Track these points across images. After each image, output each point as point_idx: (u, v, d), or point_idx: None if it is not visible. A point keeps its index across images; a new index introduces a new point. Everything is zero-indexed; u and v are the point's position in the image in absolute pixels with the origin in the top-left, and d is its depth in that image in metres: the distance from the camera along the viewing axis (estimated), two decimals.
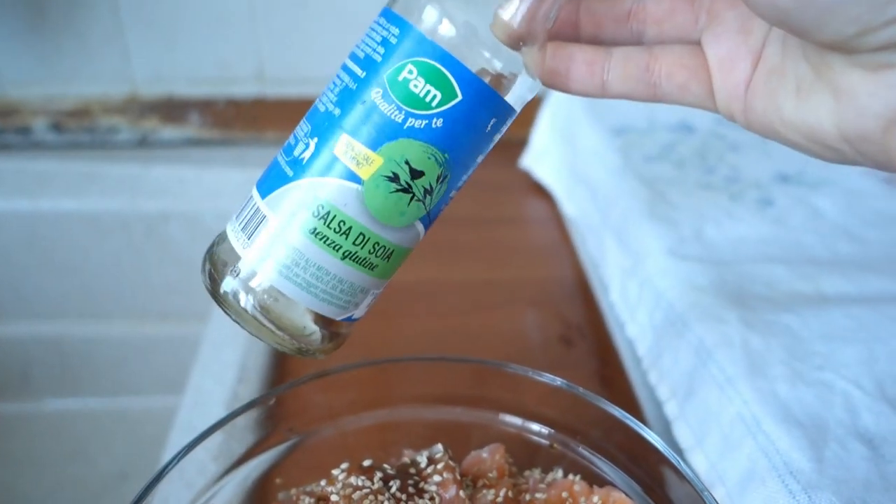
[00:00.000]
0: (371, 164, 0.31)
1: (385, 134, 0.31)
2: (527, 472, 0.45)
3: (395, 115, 0.30)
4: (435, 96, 0.30)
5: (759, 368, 0.48)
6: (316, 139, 0.32)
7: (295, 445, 0.46)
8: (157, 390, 1.03)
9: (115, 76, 1.01)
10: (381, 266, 0.34)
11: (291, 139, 0.34)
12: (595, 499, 0.41)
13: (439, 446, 0.43)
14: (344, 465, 0.40)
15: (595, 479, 0.43)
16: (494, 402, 0.48)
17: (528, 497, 0.42)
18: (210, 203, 0.94)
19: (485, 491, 0.42)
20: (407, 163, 0.31)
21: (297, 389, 0.46)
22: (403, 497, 0.39)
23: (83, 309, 1.00)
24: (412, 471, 0.42)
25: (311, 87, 1.04)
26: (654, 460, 0.43)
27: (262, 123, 1.04)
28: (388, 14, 0.31)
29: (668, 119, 0.83)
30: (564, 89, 0.34)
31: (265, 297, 0.33)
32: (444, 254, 0.71)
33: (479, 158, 0.33)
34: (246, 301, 0.33)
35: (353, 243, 0.32)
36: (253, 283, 0.33)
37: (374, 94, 0.30)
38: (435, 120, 0.30)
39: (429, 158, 0.31)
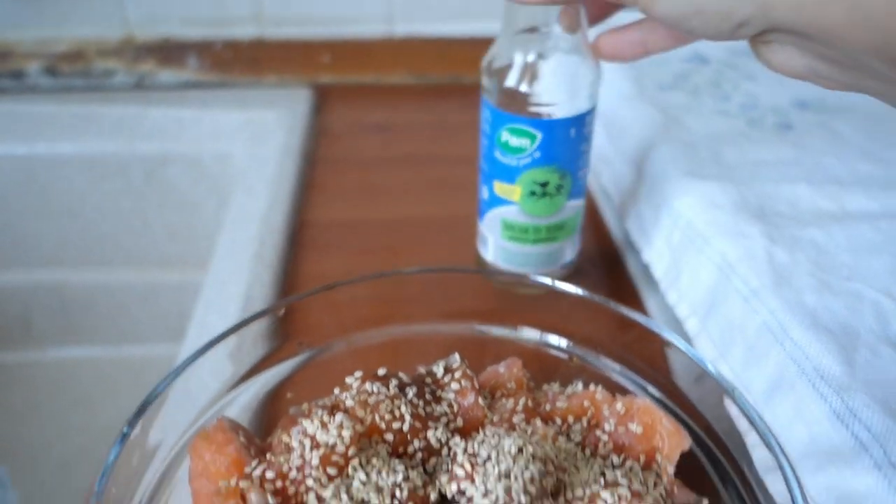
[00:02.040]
0: (515, 192, 0.53)
1: (513, 173, 0.52)
2: (545, 386, 0.44)
3: (512, 162, 0.51)
4: (524, 143, 0.50)
5: (784, 280, 0.46)
6: (485, 186, 0.54)
7: (306, 361, 0.45)
8: (159, 338, 1.02)
9: (110, 18, 0.98)
10: (563, 231, 0.56)
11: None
12: (618, 406, 0.39)
13: (456, 356, 0.41)
14: (357, 374, 0.39)
15: (617, 390, 0.42)
16: (511, 316, 0.47)
17: (548, 407, 0.41)
18: (210, 145, 0.92)
19: (503, 401, 0.40)
20: (534, 181, 0.52)
21: (308, 304, 0.44)
22: (420, 403, 0.38)
23: (83, 256, 0.98)
24: (428, 380, 0.40)
25: (310, 28, 1.01)
26: (678, 365, 0.42)
27: (261, 66, 1.02)
28: (482, 100, 0.51)
29: (680, 50, 0.81)
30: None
31: None
32: (459, 191, 0.69)
33: (584, 146, 0.52)
34: None
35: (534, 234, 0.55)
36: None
37: (496, 153, 0.52)
38: (535, 153, 0.50)
39: (545, 173, 0.51)
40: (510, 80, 0.48)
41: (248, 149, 0.88)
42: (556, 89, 0.48)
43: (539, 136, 0.49)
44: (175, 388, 0.38)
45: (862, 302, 0.44)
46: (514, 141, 0.50)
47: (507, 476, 0.32)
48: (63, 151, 0.91)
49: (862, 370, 0.40)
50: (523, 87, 0.48)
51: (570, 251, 0.57)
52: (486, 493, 0.31)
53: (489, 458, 0.33)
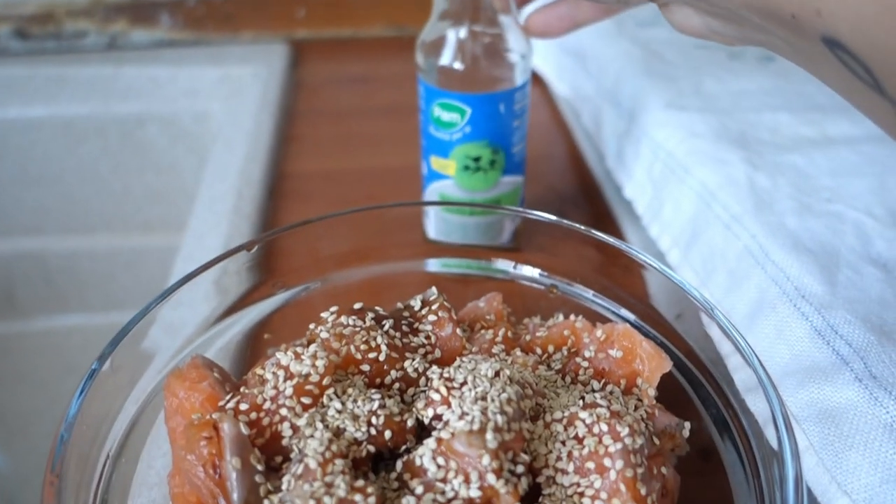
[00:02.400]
0: (449, 166, 0.53)
1: (447, 147, 0.52)
2: (525, 320, 0.43)
3: (445, 136, 0.52)
4: (455, 118, 0.51)
5: (765, 204, 0.45)
6: (424, 160, 0.55)
7: (283, 303, 0.44)
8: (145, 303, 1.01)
9: None
10: (503, 200, 0.56)
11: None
12: (598, 333, 0.39)
13: (433, 289, 0.41)
14: (333, 308, 0.38)
15: (598, 320, 0.41)
16: (488, 252, 0.46)
17: (528, 338, 0.40)
18: (187, 103, 0.90)
19: (483, 332, 0.40)
20: (466, 156, 0.52)
21: (284, 244, 0.43)
22: (397, 335, 0.37)
23: (63, 222, 0.97)
24: (405, 314, 0.40)
25: None
26: (659, 292, 0.41)
27: (236, 22, 1.00)
28: (417, 77, 0.52)
29: None
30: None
31: None
32: None
33: (516, 122, 0.53)
34: None
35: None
36: None
37: (431, 128, 0.52)
38: (465, 128, 0.51)
39: (477, 148, 0.52)
40: (443, 59, 0.49)
41: (226, 106, 0.87)
42: (485, 66, 0.49)
43: (468, 111, 0.50)
44: (150, 330, 0.37)
45: (843, 222, 0.43)
46: (446, 116, 0.50)
47: (484, 399, 0.31)
48: (37, 115, 0.89)
49: (843, 288, 0.39)
50: (455, 65, 0.49)
51: (509, 227, 0.55)
52: (462, 416, 0.31)
53: (465, 382, 0.33)
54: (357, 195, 0.68)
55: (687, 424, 0.37)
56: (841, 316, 0.37)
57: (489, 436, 0.30)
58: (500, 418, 0.30)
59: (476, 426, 0.30)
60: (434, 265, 0.47)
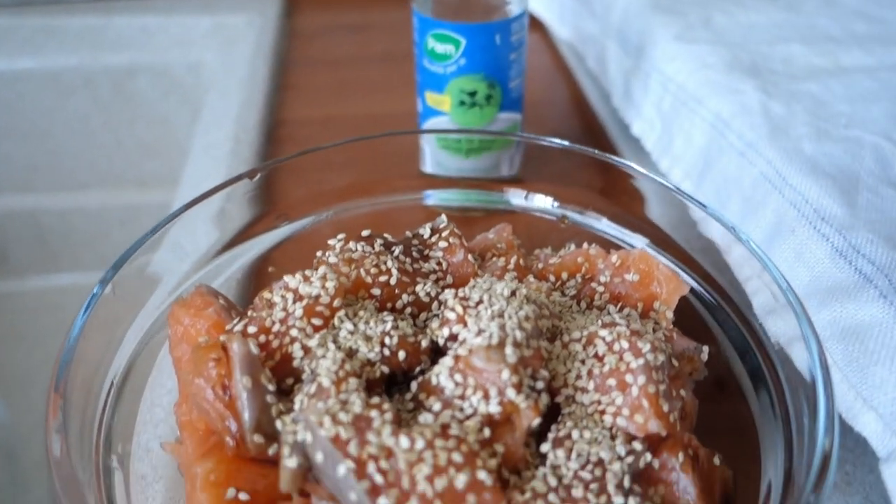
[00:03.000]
0: (444, 102, 0.51)
1: (442, 81, 0.51)
2: (537, 251, 0.42)
3: (439, 70, 0.50)
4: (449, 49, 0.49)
5: (781, 131, 0.44)
6: (419, 97, 0.53)
7: (286, 237, 0.43)
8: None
9: None
10: (496, 143, 0.53)
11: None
12: (613, 258, 0.38)
13: (443, 217, 0.39)
14: (340, 236, 0.37)
15: (612, 248, 0.40)
16: (498, 183, 0.45)
17: (540, 266, 0.39)
18: (178, 53, 0.88)
19: (494, 259, 0.39)
20: (462, 90, 0.50)
21: (287, 175, 0.42)
22: (407, 261, 0.36)
23: (55, 179, 0.95)
24: (415, 242, 0.38)
25: None
26: (674, 217, 0.40)
27: None
28: (412, 9, 0.50)
29: None
30: None
31: None
32: None
33: (513, 54, 0.50)
34: None
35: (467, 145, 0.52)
36: None
37: (425, 61, 0.51)
38: (460, 60, 0.49)
39: (472, 82, 0.50)
40: None
41: (219, 56, 0.84)
42: None
43: (463, 41, 0.48)
44: (152, 259, 0.36)
45: (862, 147, 0.42)
46: (440, 47, 0.49)
47: (501, 316, 0.30)
48: (25, 67, 0.87)
49: (864, 210, 0.38)
50: None
51: (506, 166, 0.53)
52: (479, 333, 0.30)
53: (481, 301, 0.32)
54: (355, 152, 0.67)
55: (705, 348, 0.36)
56: (863, 236, 0.36)
57: (508, 350, 0.29)
58: (518, 333, 0.29)
59: (495, 341, 0.29)
60: (438, 198, 0.45)
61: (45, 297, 1.02)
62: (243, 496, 0.30)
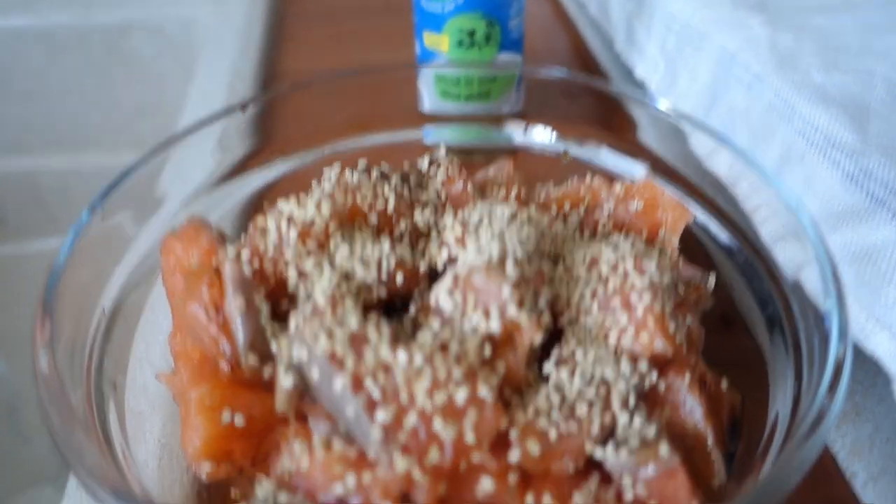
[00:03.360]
0: (443, 42, 0.50)
1: (440, 20, 0.49)
2: (538, 186, 0.41)
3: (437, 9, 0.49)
4: None
5: (789, 62, 0.43)
6: (417, 39, 0.52)
7: (281, 174, 0.42)
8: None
9: None
10: (498, 84, 0.50)
11: None
12: (617, 188, 0.37)
13: (442, 148, 0.38)
14: (336, 166, 0.36)
15: (614, 181, 0.39)
16: (492, 118, 0.44)
17: (542, 197, 0.38)
18: (173, 10, 0.86)
19: (495, 190, 0.38)
20: (460, 30, 0.49)
21: (283, 111, 0.41)
22: (405, 190, 0.35)
23: (51, 140, 0.94)
24: (413, 173, 0.37)
25: None
26: (680, 148, 0.39)
27: None
28: None
29: None
30: None
31: None
32: None
33: None
34: None
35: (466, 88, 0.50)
36: None
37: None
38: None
39: (471, 20, 0.49)
40: None
41: (214, 11, 0.83)
42: None
43: None
44: (143, 192, 0.35)
45: (873, 77, 0.41)
46: None
47: (501, 236, 0.29)
48: (16, 25, 0.85)
49: (875, 137, 0.37)
50: None
51: (506, 109, 0.51)
52: (479, 252, 0.29)
53: (481, 222, 0.31)
54: (352, 91, 0.65)
55: (712, 276, 0.35)
56: (875, 160, 0.35)
57: (509, 267, 0.28)
58: (519, 251, 0.29)
59: (495, 258, 0.28)
60: (438, 137, 0.44)
61: (45, 260, 1.01)
62: (239, 421, 0.29)
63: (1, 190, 0.97)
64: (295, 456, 0.27)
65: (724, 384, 0.32)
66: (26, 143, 0.93)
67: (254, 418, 0.29)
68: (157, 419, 0.34)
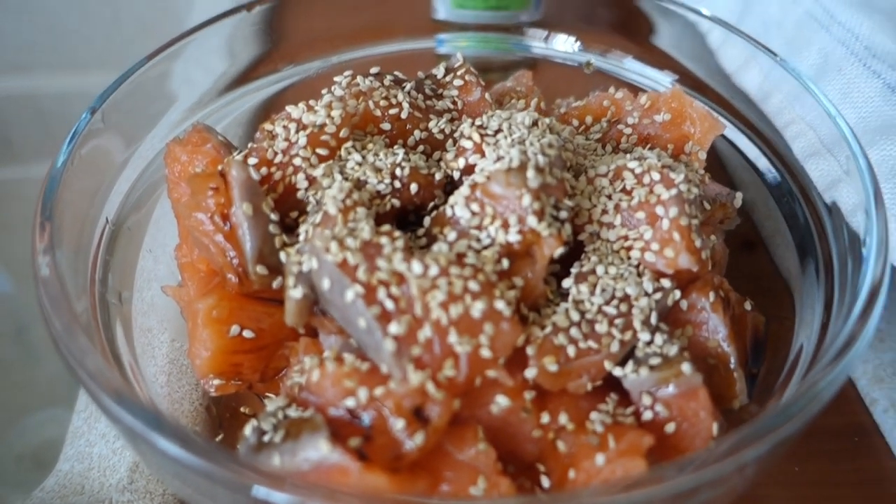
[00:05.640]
0: None
1: None
2: (558, 100, 0.39)
3: None
4: None
5: None
6: None
7: (289, 84, 0.40)
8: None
9: None
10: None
11: None
12: (643, 100, 0.35)
13: (458, 55, 0.36)
14: (347, 73, 0.34)
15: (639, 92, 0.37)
16: (517, 27, 0.41)
17: (562, 109, 0.37)
18: None
19: (513, 101, 0.36)
20: None
21: (293, 17, 0.39)
22: (419, 97, 0.33)
23: (53, 59, 0.91)
24: (428, 82, 0.36)
25: None
26: (708, 59, 0.37)
27: None
28: None
29: None
30: None
31: None
32: None
33: None
34: None
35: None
36: None
37: None
38: None
39: None
40: None
41: None
42: None
43: None
44: (145, 97, 0.34)
45: None
46: None
47: (522, 143, 0.28)
48: None
49: None
50: None
51: (525, 17, 0.46)
52: (498, 159, 0.27)
53: (500, 129, 0.29)
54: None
55: (738, 194, 0.34)
56: None
57: (530, 174, 0.26)
58: (541, 158, 0.27)
59: (515, 164, 0.26)
60: (452, 47, 0.42)
61: None
62: (248, 334, 0.28)
63: (5, 111, 0.95)
64: (305, 369, 0.26)
65: (748, 305, 0.30)
66: (27, 62, 0.91)
67: (263, 332, 0.29)
68: (166, 336, 0.34)
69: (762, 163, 0.35)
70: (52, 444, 0.39)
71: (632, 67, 0.39)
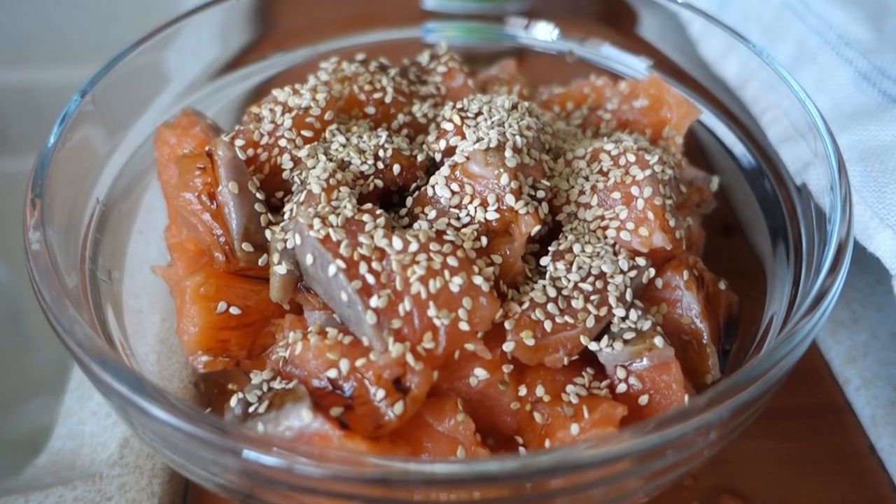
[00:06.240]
0: None
1: None
2: (541, 88, 0.40)
3: None
4: None
5: None
6: None
7: (278, 71, 0.41)
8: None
9: None
10: None
11: None
12: (622, 86, 0.36)
13: (442, 43, 0.37)
14: (333, 59, 0.35)
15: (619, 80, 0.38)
16: (494, 17, 0.42)
17: (544, 97, 0.37)
18: None
19: (497, 87, 0.37)
20: None
21: (282, 7, 0.39)
22: (404, 83, 0.34)
23: (49, 51, 0.92)
24: (412, 69, 0.36)
25: None
26: (685, 45, 0.38)
27: None
28: None
29: None
30: None
31: None
32: None
33: None
34: None
35: None
36: None
37: None
38: None
39: None
40: None
41: None
42: None
43: None
44: (136, 81, 0.35)
45: None
46: None
47: (501, 125, 0.29)
48: None
49: (891, 35, 0.36)
50: None
51: (512, 7, 0.45)
52: (478, 140, 0.28)
53: (480, 112, 0.30)
54: None
55: (715, 178, 0.35)
56: (889, 58, 0.34)
57: (508, 153, 0.27)
58: (519, 139, 0.28)
59: (493, 144, 0.27)
60: (439, 36, 0.43)
61: None
62: (235, 311, 0.29)
63: (1, 103, 0.95)
64: (289, 344, 0.27)
65: (723, 285, 0.31)
66: (24, 54, 0.91)
67: (249, 309, 0.29)
68: (156, 317, 0.34)
69: (738, 149, 0.36)
70: (45, 431, 0.39)
71: (611, 55, 0.40)
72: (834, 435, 0.34)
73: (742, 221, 0.39)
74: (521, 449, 0.27)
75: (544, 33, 0.41)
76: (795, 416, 0.35)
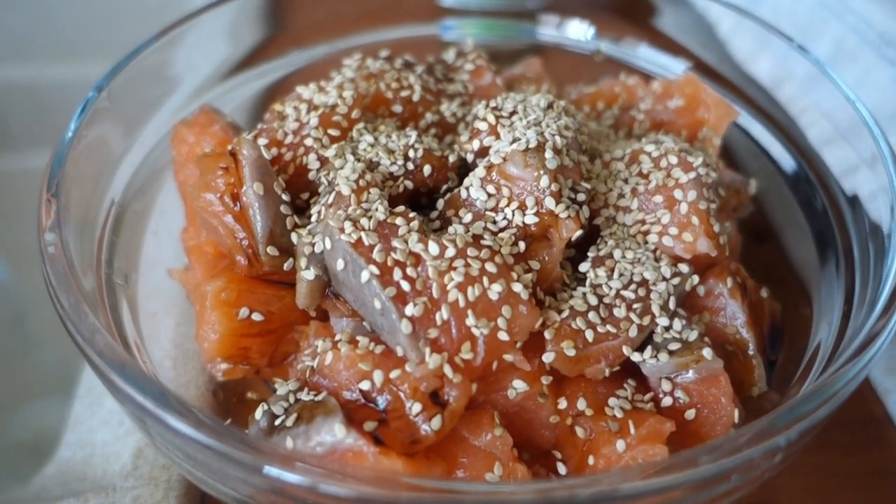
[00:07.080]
0: None
1: None
2: (567, 87, 0.39)
3: None
4: None
5: None
6: None
7: (297, 67, 0.39)
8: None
9: None
10: None
11: None
12: (655, 86, 0.34)
13: (468, 41, 0.36)
14: (357, 56, 0.33)
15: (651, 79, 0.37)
16: (527, 13, 0.41)
17: (574, 95, 0.36)
18: None
19: (524, 86, 0.36)
20: None
21: (299, 5, 0.38)
22: (431, 80, 0.33)
23: (52, 48, 0.90)
24: (438, 66, 0.35)
25: None
26: (722, 46, 0.37)
27: None
28: None
29: None
30: None
31: None
32: None
33: None
34: None
35: None
36: None
37: None
38: None
39: None
40: None
41: None
42: None
43: None
44: (151, 79, 0.33)
45: None
46: None
47: (538, 124, 0.27)
48: None
49: None
50: None
51: (532, 6, 0.45)
52: (514, 140, 0.27)
53: (515, 111, 0.29)
54: None
55: (753, 181, 0.33)
56: None
57: (548, 154, 0.26)
58: (558, 140, 0.27)
59: (533, 144, 0.26)
60: (460, 33, 0.42)
61: None
62: (257, 317, 0.28)
63: (3, 101, 0.94)
64: (317, 353, 0.25)
65: (765, 293, 0.30)
66: (26, 51, 0.90)
67: (272, 315, 0.28)
68: (171, 321, 0.33)
69: (776, 150, 0.35)
70: (50, 433, 0.38)
71: (643, 54, 0.38)
72: (874, 449, 0.33)
73: (775, 227, 0.37)
74: (560, 466, 0.25)
75: (577, 32, 0.39)
76: (835, 429, 0.33)
